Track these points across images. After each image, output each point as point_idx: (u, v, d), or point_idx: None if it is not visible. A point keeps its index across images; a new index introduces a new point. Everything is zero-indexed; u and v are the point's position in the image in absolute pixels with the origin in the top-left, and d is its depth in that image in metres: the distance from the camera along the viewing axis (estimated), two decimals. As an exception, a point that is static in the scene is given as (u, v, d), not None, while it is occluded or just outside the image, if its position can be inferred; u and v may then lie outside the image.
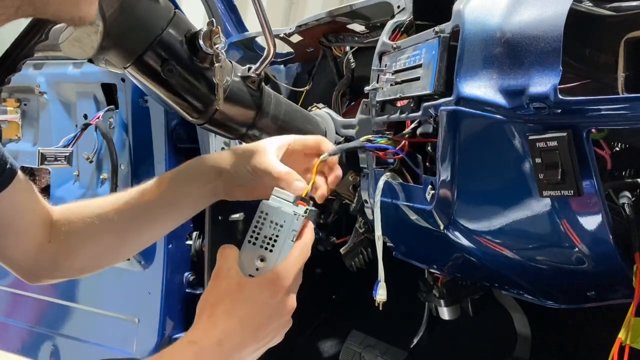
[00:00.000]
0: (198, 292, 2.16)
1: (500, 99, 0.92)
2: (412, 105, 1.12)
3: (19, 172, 1.03)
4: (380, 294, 1.25)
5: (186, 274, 2.19)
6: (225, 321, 0.84)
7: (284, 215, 0.90)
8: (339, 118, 1.48)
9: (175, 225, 1.17)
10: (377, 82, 1.23)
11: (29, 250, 1.07)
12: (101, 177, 2.20)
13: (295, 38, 1.76)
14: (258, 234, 0.90)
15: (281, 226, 0.90)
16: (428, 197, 1.09)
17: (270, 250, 0.91)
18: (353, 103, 1.63)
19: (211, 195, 1.12)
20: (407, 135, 1.14)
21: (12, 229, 1.03)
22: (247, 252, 0.91)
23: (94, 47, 0.96)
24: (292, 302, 0.91)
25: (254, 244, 0.91)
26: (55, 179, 2.34)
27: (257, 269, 0.91)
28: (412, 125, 1.13)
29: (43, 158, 2.04)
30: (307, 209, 0.91)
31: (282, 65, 1.94)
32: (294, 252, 0.91)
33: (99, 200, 1.13)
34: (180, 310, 2.28)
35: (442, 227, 1.08)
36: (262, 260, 0.91)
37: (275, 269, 0.89)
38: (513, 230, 1.01)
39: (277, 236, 0.90)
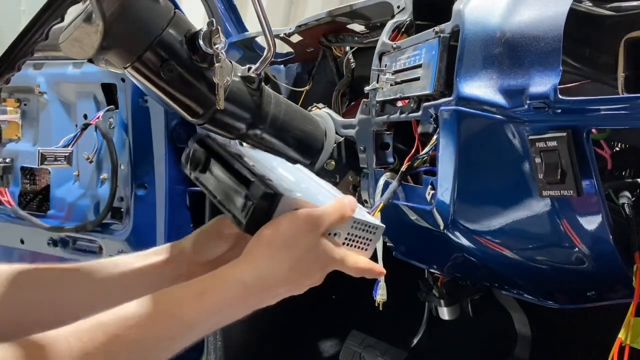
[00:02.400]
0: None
1: (500, 99, 0.92)
2: (412, 105, 1.12)
3: None
4: (381, 294, 1.25)
5: (186, 273, 2.18)
6: (279, 271, 0.82)
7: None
8: (339, 118, 1.48)
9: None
10: (377, 82, 1.23)
11: None
12: (101, 177, 2.20)
13: (295, 38, 1.76)
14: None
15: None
16: (428, 197, 1.09)
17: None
18: (353, 103, 1.63)
19: (170, 269, 0.99)
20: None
21: None
22: None
23: (94, 47, 0.96)
24: (329, 245, 0.85)
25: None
26: (55, 179, 2.34)
27: None
28: (435, 138, 1.09)
29: (43, 158, 2.04)
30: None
31: (282, 65, 1.94)
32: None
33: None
34: (180, 310, 2.27)
35: (442, 227, 1.08)
36: None
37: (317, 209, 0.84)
38: (513, 230, 1.01)
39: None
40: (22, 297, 0.94)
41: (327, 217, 0.84)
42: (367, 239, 0.88)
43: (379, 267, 0.91)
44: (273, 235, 0.81)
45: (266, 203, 0.78)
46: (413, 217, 1.14)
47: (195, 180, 0.91)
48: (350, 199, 0.88)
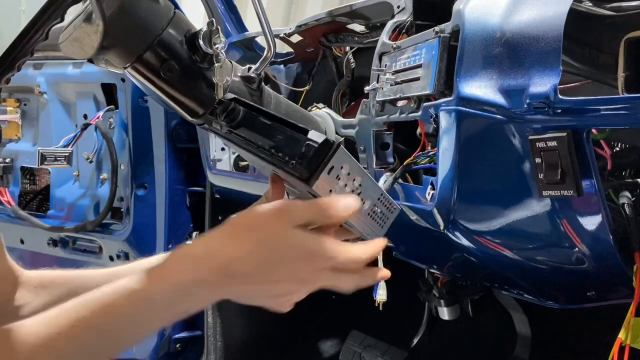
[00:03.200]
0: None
1: (500, 99, 0.92)
2: (412, 105, 1.12)
3: None
4: (381, 294, 1.25)
5: (186, 274, 2.18)
6: (234, 247, 0.75)
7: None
8: (339, 118, 1.48)
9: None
10: (377, 82, 1.23)
11: None
12: (101, 177, 2.20)
13: (295, 38, 1.76)
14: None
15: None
16: (428, 197, 1.09)
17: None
18: (353, 103, 1.63)
19: None
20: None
21: None
22: None
23: (94, 47, 0.96)
24: (307, 235, 0.76)
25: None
26: (55, 179, 2.34)
27: None
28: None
29: (43, 158, 2.04)
30: None
31: (282, 65, 1.94)
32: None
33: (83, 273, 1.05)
34: (180, 310, 2.28)
35: (442, 227, 1.08)
36: None
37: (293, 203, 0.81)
38: (513, 230, 1.01)
39: None
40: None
41: (306, 209, 0.78)
42: (385, 217, 0.90)
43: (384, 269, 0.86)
44: (238, 218, 0.78)
45: (326, 148, 0.79)
46: (413, 217, 1.14)
47: (226, 134, 0.89)
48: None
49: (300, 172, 0.80)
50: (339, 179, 0.82)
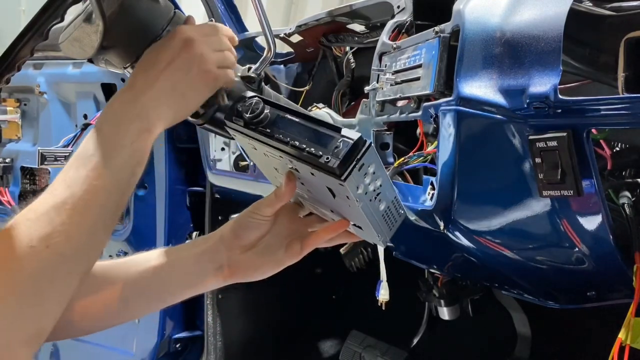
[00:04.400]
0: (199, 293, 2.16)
1: (500, 99, 0.92)
2: (412, 105, 1.12)
3: None
4: (383, 294, 1.25)
5: (186, 274, 2.18)
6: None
7: None
8: (339, 118, 1.48)
9: (170, 298, 1.03)
10: (377, 82, 1.23)
11: None
12: (101, 177, 2.20)
13: (295, 38, 1.76)
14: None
15: None
16: (428, 197, 1.09)
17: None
18: (353, 103, 1.63)
19: (209, 261, 1.00)
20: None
21: None
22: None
23: (94, 47, 0.96)
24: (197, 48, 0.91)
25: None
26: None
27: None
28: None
29: (43, 158, 2.04)
30: None
31: (282, 65, 1.94)
32: None
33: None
34: (179, 310, 2.28)
35: (442, 227, 1.08)
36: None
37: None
38: (513, 231, 1.01)
39: None
40: None
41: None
42: (395, 219, 0.95)
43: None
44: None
45: (360, 146, 0.82)
46: (413, 217, 1.14)
47: (249, 132, 0.91)
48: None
49: (334, 167, 0.82)
50: (366, 176, 0.84)
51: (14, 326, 0.73)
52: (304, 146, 0.85)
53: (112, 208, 0.82)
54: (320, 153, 0.83)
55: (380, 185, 0.88)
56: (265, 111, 0.90)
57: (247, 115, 0.90)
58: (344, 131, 0.84)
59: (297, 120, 0.88)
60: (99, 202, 0.80)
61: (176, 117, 0.91)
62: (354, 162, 0.82)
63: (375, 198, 0.89)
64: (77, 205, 0.78)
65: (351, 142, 0.82)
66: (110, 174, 0.81)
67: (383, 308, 1.23)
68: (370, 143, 0.83)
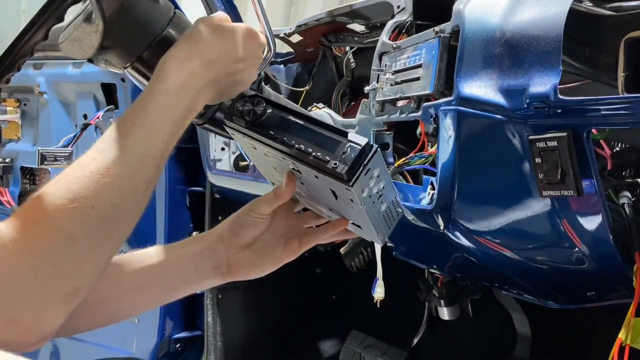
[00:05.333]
0: (198, 292, 2.16)
1: (500, 99, 0.92)
2: (412, 105, 1.12)
3: None
4: (379, 292, 1.25)
5: (186, 274, 2.18)
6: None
7: None
8: (339, 118, 1.48)
9: (167, 296, 1.03)
10: (377, 82, 1.23)
11: None
12: (101, 177, 2.20)
13: (295, 38, 1.76)
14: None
15: None
16: (428, 197, 1.09)
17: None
18: (353, 103, 1.63)
19: (208, 259, 1.00)
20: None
21: None
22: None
23: (94, 47, 0.96)
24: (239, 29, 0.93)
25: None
26: (55, 179, 2.34)
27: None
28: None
29: (43, 158, 2.04)
30: None
31: (282, 65, 1.94)
32: None
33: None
34: (180, 310, 2.28)
35: (442, 227, 1.08)
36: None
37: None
38: (513, 231, 1.01)
39: None
40: None
41: None
42: (393, 219, 0.96)
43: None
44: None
45: (367, 151, 0.83)
46: (410, 217, 1.14)
47: (251, 133, 0.91)
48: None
49: (342, 172, 0.82)
50: (371, 179, 0.84)
51: (51, 283, 0.75)
52: (310, 150, 0.84)
53: (154, 176, 0.85)
54: (328, 158, 0.83)
55: (383, 187, 0.88)
56: (268, 112, 0.90)
57: (249, 116, 0.90)
58: (351, 136, 0.84)
59: (301, 122, 0.87)
60: (144, 169, 0.83)
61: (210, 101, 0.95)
62: (362, 168, 0.82)
63: (378, 199, 0.89)
64: (125, 171, 0.80)
65: (359, 147, 0.82)
66: (159, 144, 0.85)
67: (378, 306, 1.22)
68: (377, 148, 0.83)
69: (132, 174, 0.81)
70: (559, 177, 0.84)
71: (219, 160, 1.95)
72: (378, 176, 0.85)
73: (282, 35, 1.72)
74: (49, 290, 0.75)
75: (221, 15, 0.95)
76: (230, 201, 1.99)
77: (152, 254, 1.00)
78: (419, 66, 1.09)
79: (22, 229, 0.74)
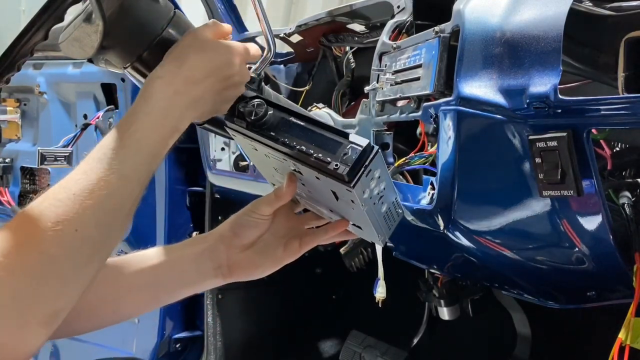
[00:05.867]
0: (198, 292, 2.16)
1: (500, 99, 0.92)
2: (412, 105, 1.12)
3: None
4: (380, 292, 1.25)
5: (186, 274, 2.18)
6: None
7: None
8: (339, 118, 1.48)
9: (167, 297, 1.03)
10: (377, 82, 1.23)
11: None
12: (101, 177, 2.20)
13: (295, 38, 1.76)
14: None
15: None
16: (428, 197, 1.09)
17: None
18: (353, 103, 1.63)
19: (209, 260, 1.00)
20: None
21: None
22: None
23: (94, 47, 0.96)
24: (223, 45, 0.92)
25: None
26: (55, 179, 2.34)
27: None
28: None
29: (43, 158, 2.04)
30: None
31: (282, 65, 1.94)
32: None
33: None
34: (179, 310, 2.28)
35: (442, 227, 1.08)
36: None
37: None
38: (513, 231, 1.01)
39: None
40: None
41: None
42: (394, 219, 0.96)
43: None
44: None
45: (368, 152, 0.83)
46: (410, 217, 1.14)
47: (251, 134, 0.90)
48: None
49: (344, 174, 0.82)
50: (372, 181, 0.83)
51: (31, 306, 0.74)
52: (312, 152, 0.84)
53: (138, 195, 0.86)
54: (329, 159, 0.83)
55: (384, 188, 0.88)
56: (269, 113, 0.90)
57: (250, 118, 0.90)
58: (352, 137, 0.84)
59: (302, 124, 0.87)
60: (128, 190, 0.83)
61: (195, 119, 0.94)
62: (363, 169, 0.82)
63: (379, 200, 0.89)
64: (109, 192, 0.79)
65: (360, 148, 0.82)
66: (142, 164, 0.86)
67: (380, 306, 1.22)
68: (378, 149, 0.83)
69: (115, 194, 0.81)
70: (559, 177, 0.84)
71: (219, 160, 1.95)
72: (379, 177, 0.85)
73: (282, 35, 1.72)
74: (29, 313, 0.73)
75: (212, 28, 0.93)
76: (231, 201, 1.99)
77: (152, 255, 1.00)
78: (419, 66, 1.09)
79: (4, 252, 0.73)
